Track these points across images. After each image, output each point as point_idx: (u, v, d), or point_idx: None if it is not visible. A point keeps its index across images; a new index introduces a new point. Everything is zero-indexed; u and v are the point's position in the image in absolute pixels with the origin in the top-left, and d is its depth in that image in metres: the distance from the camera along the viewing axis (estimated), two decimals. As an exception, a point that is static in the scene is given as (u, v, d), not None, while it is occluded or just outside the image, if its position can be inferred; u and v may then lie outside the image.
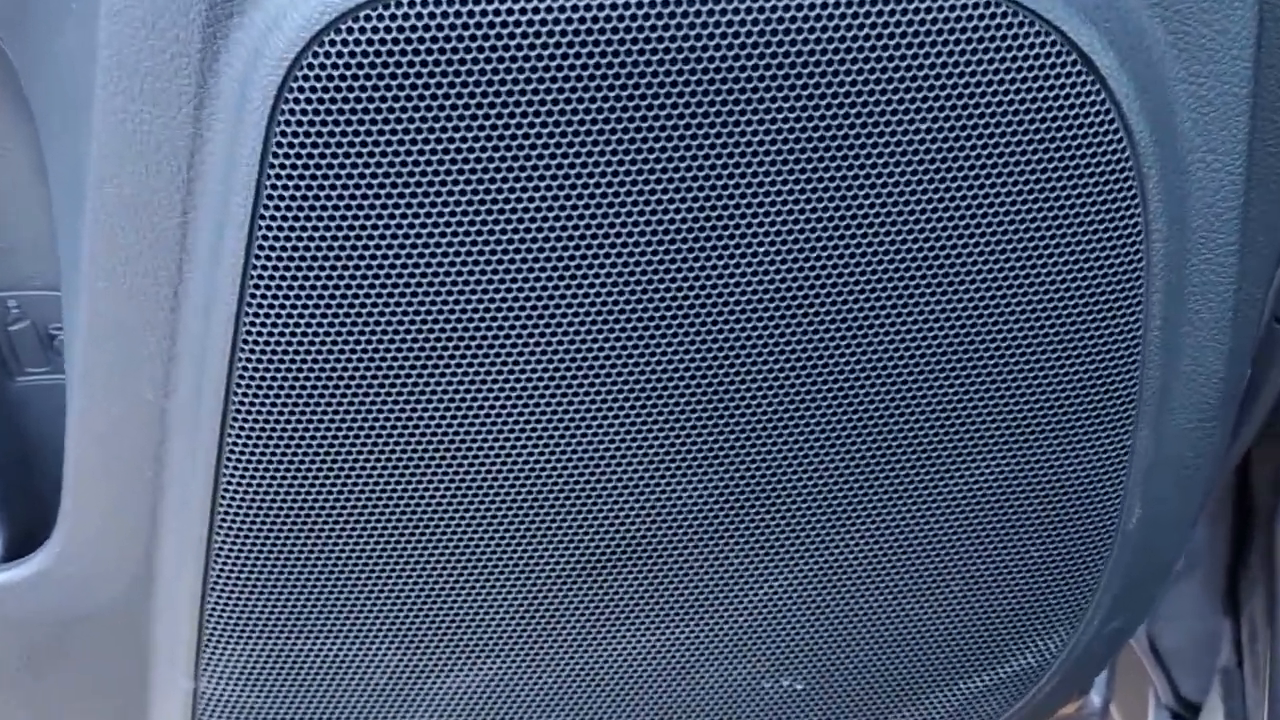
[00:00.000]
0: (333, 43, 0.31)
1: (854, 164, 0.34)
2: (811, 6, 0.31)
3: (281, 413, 0.36)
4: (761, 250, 0.35)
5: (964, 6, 0.32)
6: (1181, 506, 0.46)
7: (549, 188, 0.33)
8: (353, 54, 0.31)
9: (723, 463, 0.38)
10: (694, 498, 0.39)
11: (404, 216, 0.33)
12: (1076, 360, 0.38)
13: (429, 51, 0.31)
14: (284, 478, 0.38)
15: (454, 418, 0.37)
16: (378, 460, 0.37)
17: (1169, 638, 0.75)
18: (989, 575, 0.43)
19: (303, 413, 0.36)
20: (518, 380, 0.36)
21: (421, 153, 0.32)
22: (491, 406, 0.36)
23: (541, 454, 0.38)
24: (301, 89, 0.31)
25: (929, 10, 0.32)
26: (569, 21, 0.31)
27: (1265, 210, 0.42)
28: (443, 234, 0.33)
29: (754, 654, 0.43)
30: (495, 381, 0.36)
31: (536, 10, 0.31)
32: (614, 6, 0.31)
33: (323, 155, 0.32)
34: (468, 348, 0.35)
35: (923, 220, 0.35)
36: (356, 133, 0.32)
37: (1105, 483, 0.41)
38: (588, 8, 0.31)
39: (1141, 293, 0.38)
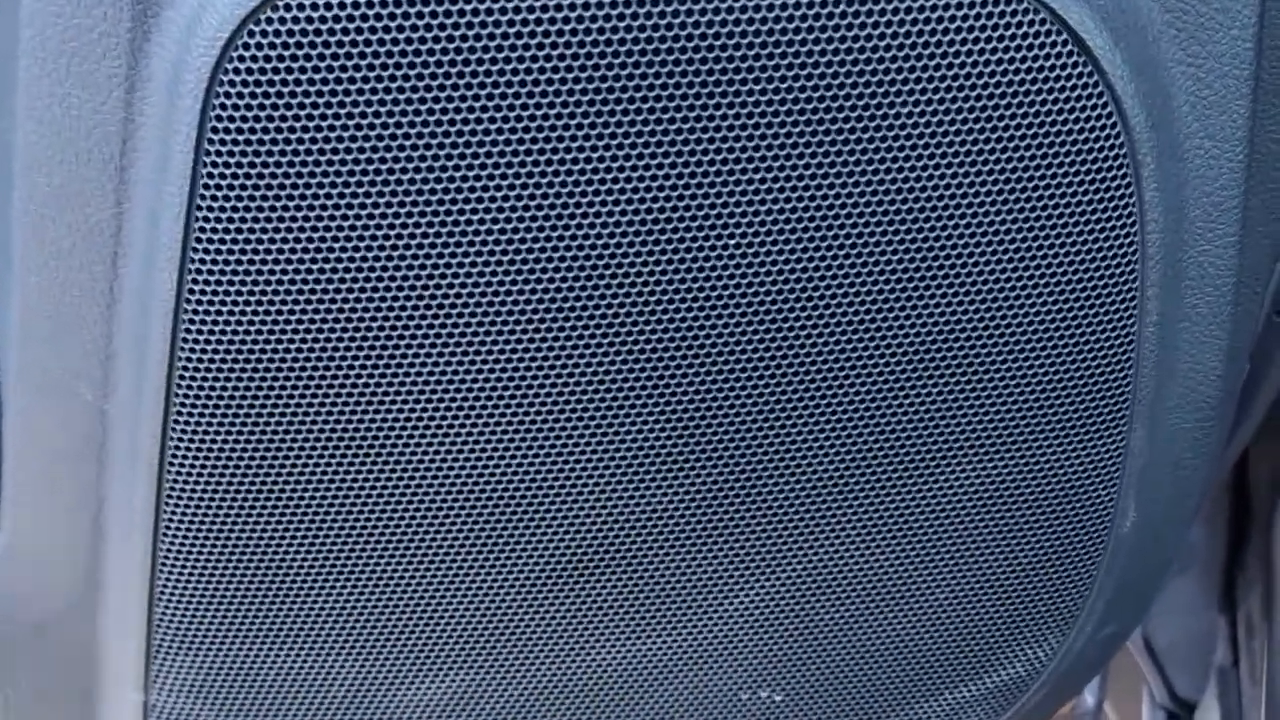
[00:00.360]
0: (269, 20, 0.29)
1: (839, 151, 0.32)
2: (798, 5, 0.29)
3: (225, 412, 0.34)
4: (741, 237, 0.33)
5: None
6: (1178, 507, 0.44)
7: (503, 174, 0.31)
8: (290, 33, 0.29)
9: (698, 467, 0.36)
10: (669, 504, 0.37)
11: (348, 205, 0.31)
12: (1068, 356, 0.36)
13: (370, 29, 0.29)
14: (229, 482, 0.36)
15: (408, 420, 0.35)
16: (328, 464, 0.35)
17: (1164, 636, 0.74)
18: (977, 582, 0.41)
19: (247, 412, 0.34)
20: (479, 379, 0.34)
21: (362, 138, 0.30)
22: (450, 407, 0.34)
23: (506, 460, 0.36)
24: (236, 70, 0.29)
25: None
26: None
27: (1266, 200, 0.40)
28: (388, 223, 0.31)
29: (731, 665, 0.41)
30: (454, 380, 0.34)
31: None
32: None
33: (260, 140, 0.30)
34: (421, 345, 0.33)
35: (908, 208, 0.33)
36: (295, 115, 0.30)
37: (1099, 484, 0.39)
38: None
39: (1137, 285, 0.36)
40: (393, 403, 0.34)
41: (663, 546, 0.38)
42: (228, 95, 0.29)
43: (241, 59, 0.29)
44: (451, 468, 0.36)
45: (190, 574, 0.38)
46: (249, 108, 0.30)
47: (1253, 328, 0.47)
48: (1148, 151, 0.34)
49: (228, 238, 0.31)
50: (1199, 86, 0.34)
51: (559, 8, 0.29)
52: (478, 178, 0.31)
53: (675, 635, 0.40)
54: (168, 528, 0.37)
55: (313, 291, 0.32)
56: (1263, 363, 0.50)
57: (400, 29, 0.29)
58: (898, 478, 0.38)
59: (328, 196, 0.31)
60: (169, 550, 0.37)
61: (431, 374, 0.34)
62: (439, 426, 0.35)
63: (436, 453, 0.35)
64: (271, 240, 0.31)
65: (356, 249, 0.31)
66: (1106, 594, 0.43)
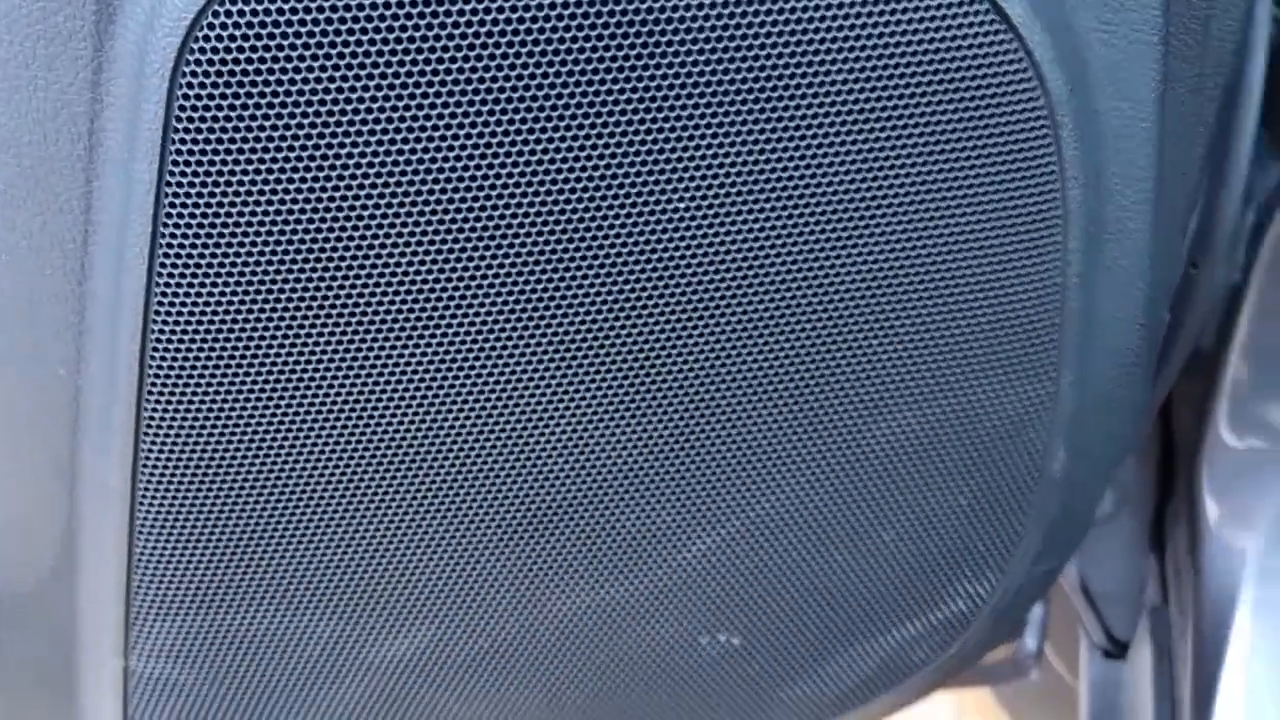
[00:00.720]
0: (230, 5, 0.30)
1: (780, 119, 0.34)
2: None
3: (196, 385, 0.35)
4: (679, 200, 0.34)
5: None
6: (1105, 450, 0.47)
7: (467, 156, 0.32)
8: (255, 13, 0.30)
9: (647, 423, 0.38)
10: (620, 458, 0.39)
11: (317, 184, 0.32)
12: (998, 309, 0.39)
13: (335, 11, 0.30)
14: (203, 450, 0.37)
15: (374, 385, 0.36)
16: (298, 429, 0.37)
17: (1099, 580, 0.77)
18: (919, 522, 0.43)
19: (218, 385, 0.35)
20: (436, 353, 0.36)
21: (331, 116, 0.31)
22: (410, 379, 0.36)
23: (460, 423, 0.37)
24: (202, 49, 0.30)
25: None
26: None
27: (1178, 158, 0.43)
28: (358, 204, 0.33)
29: (689, 611, 0.44)
30: (413, 353, 0.36)
31: None
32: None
33: (228, 119, 0.31)
34: (384, 319, 0.35)
35: (840, 174, 0.35)
36: (261, 94, 0.31)
37: (1030, 428, 0.42)
38: None
39: (1060, 241, 0.38)
40: (358, 370, 0.36)
41: (621, 497, 0.40)
42: (194, 74, 0.31)
43: (206, 39, 0.30)
44: (417, 435, 0.37)
45: (166, 541, 0.39)
46: (214, 88, 0.31)
47: (1171, 280, 0.50)
48: (1066, 114, 0.36)
49: (197, 213, 0.32)
50: (1113, 52, 0.37)
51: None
52: (434, 151, 0.32)
53: (634, 583, 0.42)
54: (144, 497, 0.38)
55: (281, 265, 0.33)
56: (1181, 312, 0.53)
57: (356, 19, 0.30)
58: (844, 424, 0.40)
59: (294, 172, 0.32)
60: (145, 518, 0.38)
61: (392, 341, 0.35)
62: (403, 391, 0.36)
63: (400, 417, 0.37)
64: (240, 214, 0.33)
65: (323, 223, 0.33)
66: (1039, 532, 0.46)
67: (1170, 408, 0.69)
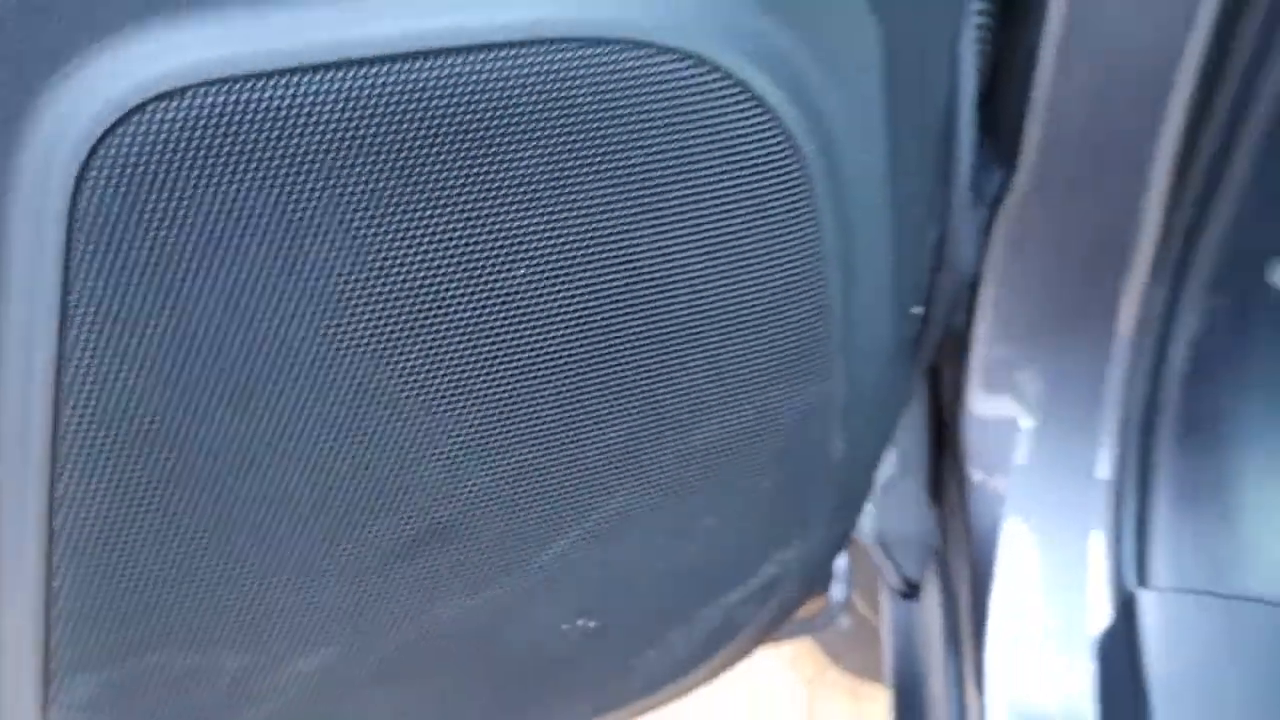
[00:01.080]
0: (135, 124, 0.36)
1: (577, 208, 0.42)
2: (510, 83, 0.39)
3: (107, 465, 0.41)
4: (524, 277, 0.42)
5: (662, 69, 0.40)
6: (876, 432, 0.57)
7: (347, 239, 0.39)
8: (145, 140, 0.36)
9: (512, 451, 0.46)
10: (490, 482, 0.46)
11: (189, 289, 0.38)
12: (780, 330, 0.48)
13: (218, 138, 0.36)
14: (113, 518, 0.42)
15: (273, 435, 0.42)
16: (204, 476, 0.42)
17: (892, 533, 0.89)
18: (733, 508, 0.53)
19: (124, 433, 0.40)
20: (322, 411, 0.42)
21: (213, 232, 0.37)
22: (302, 442, 0.42)
23: (353, 459, 0.44)
24: (100, 172, 0.36)
25: (632, 76, 0.40)
26: (344, 109, 0.37)
27: (911, 187, 0.54)
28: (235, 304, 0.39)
29: (554, 603, 0.51)
30: (300, 410, 0.42)
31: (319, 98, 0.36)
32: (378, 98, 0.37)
33: (117, 232, 0.37)
34: (282, 377, 0.41)
35: (642, 246, 0.43)
36: (153, 213, 0.37)
37: (814, 423, 0.52)
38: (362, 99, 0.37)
39: (822, 271, 0.48)
40: (247, 425, 0.42)
41: (491, 514, 0.47)
42: (93, 191, 0.36)
43: (101, 164, 0.36)
44: (310, 478, 0.44)
45: (83, 585, 0.44)
46: (109, 204, 0.36)
47: (919, 285, 0.61)
48: (819, 175, 0.45)
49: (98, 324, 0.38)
50: (852, 123, 0.46)
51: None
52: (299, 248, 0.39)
53: (506, 586, 0.50)
54: (59, 567, 0.43)
55: (169, 349, 0.39)
56: (930, 308, 0.65)
57: (229, 155, 0.36)
58: (668, 436, 0.48)
59: (174, 279, 0.38)
60: (61, 556, 0.43)
61: (282, 405, 0.41)
62: (295, 451, 0.43)
63: (295, 469, 0.43)
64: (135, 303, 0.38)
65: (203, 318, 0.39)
66: (830, 504, 0.56)
67: (937, 383, 0.82)
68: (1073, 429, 0.74)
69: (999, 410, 0.77)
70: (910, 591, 0.90)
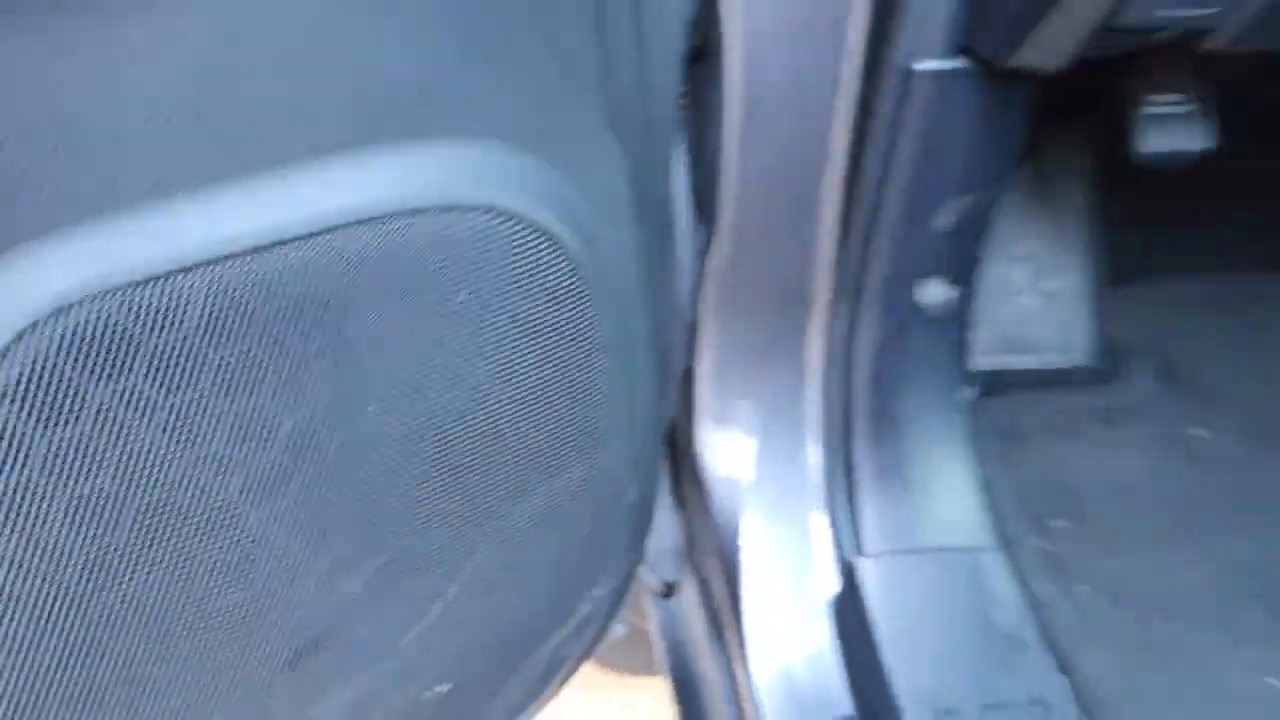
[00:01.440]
0: (25, 342, 0.40)
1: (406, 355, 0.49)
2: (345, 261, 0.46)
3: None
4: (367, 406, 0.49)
5: (472, 223, 0.49)
6: (655, 473, 0.69)
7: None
8: (37, 355, 0.40)
9: (375, 559, 0.52)
10: (362, 590, 0.53)
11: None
12: (582, 413, 0.58)
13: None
14: None
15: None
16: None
17: (654, 546, 1.01)
18: (555, 564, 0.62)
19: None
20: (213, 560, 0.47)
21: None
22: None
23: (241, 595, 0.49)
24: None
25: (463, 238, 0.48)
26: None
27: (654, 269, 0.65)
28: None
29: (416, 678, 0.59)
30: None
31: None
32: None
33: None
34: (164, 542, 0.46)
35: (466, 368, 0.51)
36: (52, 414, 0.41)
37: (616, 480, 0.62)
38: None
39: (609, 363, 0.58)
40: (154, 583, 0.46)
41: (365, 614, 0.54)
42: None
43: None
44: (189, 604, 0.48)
45: None
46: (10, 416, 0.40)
47: (672, 342, 0.73)
48: (600, 293, 0.55)
49: None
50: (615, 250, 0.57)
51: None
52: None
53: (378, 671, 0.56)
54: None
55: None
56: (668, 356, 0.77)
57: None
58: (495, 516, 0.57)
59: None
60: None
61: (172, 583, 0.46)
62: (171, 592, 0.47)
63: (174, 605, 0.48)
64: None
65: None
66: (627, 543, 0.67)
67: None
68: (786, 437, 0.89)
69: (726, 437, 0.91)
70: (669, 592, 1.03)
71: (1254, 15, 0.61)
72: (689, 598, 1.00)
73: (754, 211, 0.81)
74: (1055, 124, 0.99)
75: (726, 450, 0.91)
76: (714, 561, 0.95)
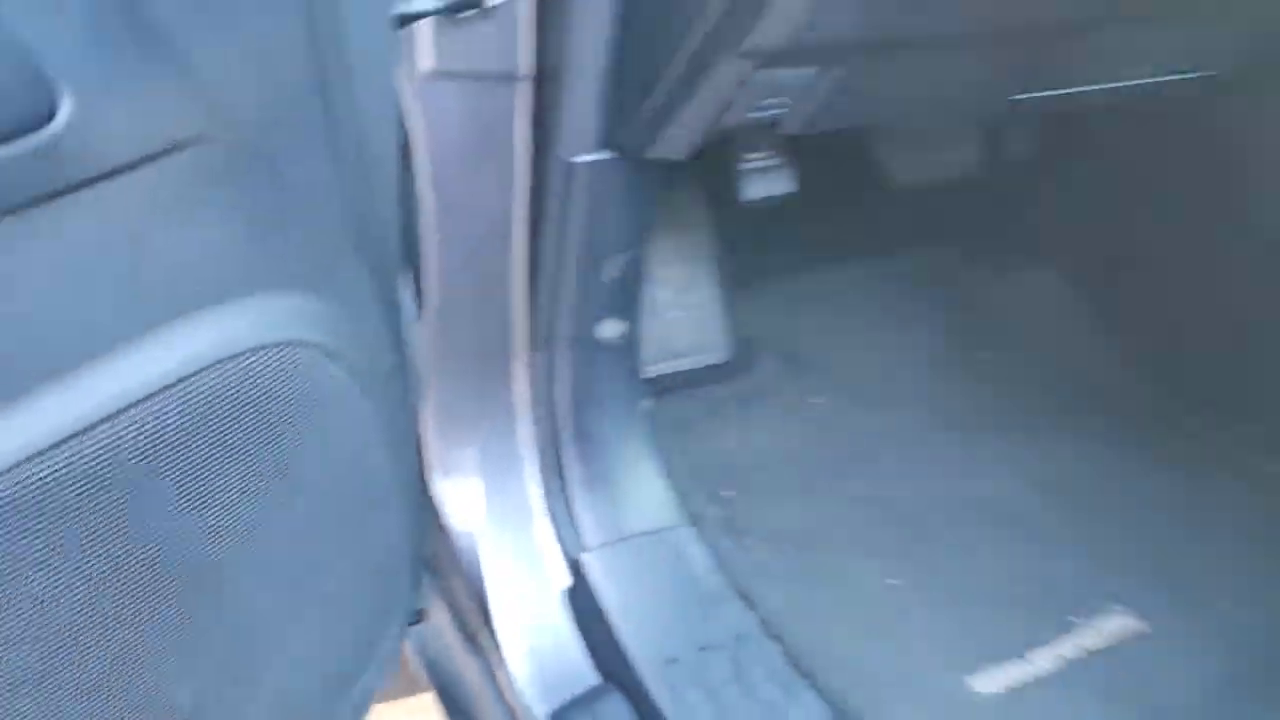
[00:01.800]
0: None
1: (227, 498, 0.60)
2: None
3: None
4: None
5: (271, 358, 0.61)
6: (425, 529, 0.82)
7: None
8: None
9: (222, 648, 0.63)
10: (214, 673, 0.63)
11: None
12: (372, 493, 0.71)
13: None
14: None
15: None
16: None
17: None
18: (367, 621, 0.74)
19: None
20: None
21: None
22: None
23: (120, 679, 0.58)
24: None
25: (242, 373, 0.59)
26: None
27: (405, 379, 0.78)
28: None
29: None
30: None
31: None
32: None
33: None
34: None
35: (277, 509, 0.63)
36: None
37: (405, 547, 0.75)
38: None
39: (386, 456, 0.71)
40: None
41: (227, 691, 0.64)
42: None
43: None
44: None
45: None
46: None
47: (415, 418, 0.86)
48: (363, 380, 0.68)
49: None
50: (372, 341, 0.70)
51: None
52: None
53: None
54: None
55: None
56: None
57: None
58: (318, 584, 0.68)
59: None
60: None
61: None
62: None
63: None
64: None
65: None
66: (406, 593, 0.80)
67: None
68: (508, 467, 1.05)
69: (454, 484, 1.05)
70: (419, 618, 1.15)
71: (808, 115, 0.85)
72: (440, 618, 1.14)
73: (455, 285, 0.96)
74: (681, 173, 1.21)
75: (456, 494, 1.05)
76: (459, 581, 1.09)
